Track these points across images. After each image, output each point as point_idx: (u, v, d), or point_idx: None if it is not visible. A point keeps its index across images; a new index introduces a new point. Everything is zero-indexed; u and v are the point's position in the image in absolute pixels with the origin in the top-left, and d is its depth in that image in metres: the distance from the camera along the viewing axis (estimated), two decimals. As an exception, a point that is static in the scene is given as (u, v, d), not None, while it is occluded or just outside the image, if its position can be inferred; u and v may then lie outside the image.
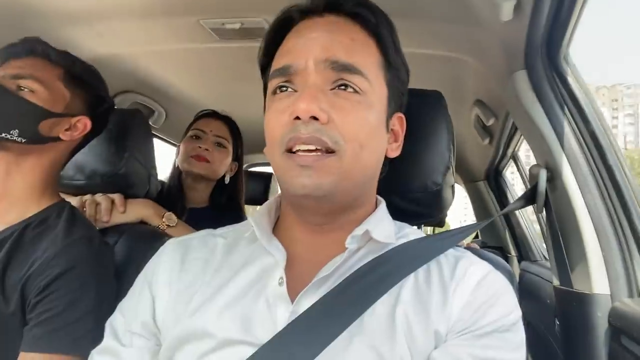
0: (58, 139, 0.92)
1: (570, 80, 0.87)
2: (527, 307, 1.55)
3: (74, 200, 1.11)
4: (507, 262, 1.94)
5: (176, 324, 0.63)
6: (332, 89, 0.60)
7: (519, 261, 1.97)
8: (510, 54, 0.92)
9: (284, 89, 0.62)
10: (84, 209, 1.09)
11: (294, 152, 0.59)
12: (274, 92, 0.63)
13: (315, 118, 0.57)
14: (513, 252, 2.09)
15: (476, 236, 2.61)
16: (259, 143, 0.63)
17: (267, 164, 2.56)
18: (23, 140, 0.86)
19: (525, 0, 0.73)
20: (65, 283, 0.81)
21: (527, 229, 1.98)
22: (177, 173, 1.55)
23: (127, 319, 0.67)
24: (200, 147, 1.47)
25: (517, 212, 2.00)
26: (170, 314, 0.64)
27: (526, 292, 1.68)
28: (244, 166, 2.78)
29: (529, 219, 2.04)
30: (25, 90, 0.87)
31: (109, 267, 0.93)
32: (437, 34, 1.06)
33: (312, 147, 0.58)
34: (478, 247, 1.84)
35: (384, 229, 0.66)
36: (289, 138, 0.58)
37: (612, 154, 0.83)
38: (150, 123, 1.84)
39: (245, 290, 0.62)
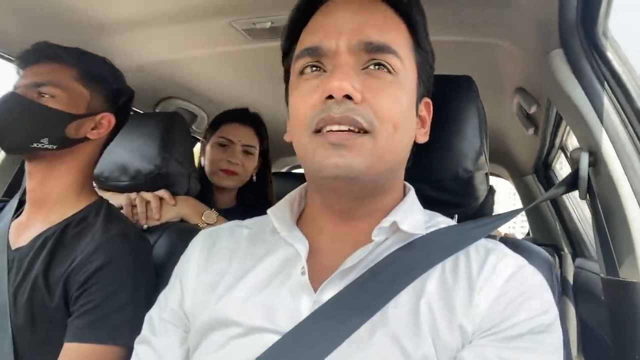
0: (86, 139, 0.95)
1: (611, 56, 0.82)
2: (584, 306, 1.46)
3: (121, 198, 1.17)
4: (561, 260, 1.85)
5: (203, 310, 0.64)
6: (364, 69, 0.59)
7: (574, 259, 1.87)
8: (545, 33, 0.88)
9: (313, 68, 0.60)
10: (134, 206, 1.15)
11: (322, 133, 0.57)
12: (301, 73, 0.61)
13: (349, 97, 0.56)
14: (567, 250, 1.98)
15: (528, 234, 2.50)
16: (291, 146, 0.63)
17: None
18: (54, 147, 0.90)
19: (554, -28, 0.70)
20: (104, 276, 0.85)
21: (580, 224, 1.87)
22: (202, 174, 1.54)
23: (161, 308, 0.70)
24: (229, 161, 1.47)
25: (569, 206, 1.90)
26: (198, 301, 0.66)
27: (583, 290, 1.58)
28: (287, 168, 2.82)
29: (583, 214, 1.93)
30: (46, 96, 0.89)
31: (146, 261, 0.96)
32: (467, 20, 1.03)
33: (345, 128, 0.56)
34: (515, 237, 1.75)
35: (413, 219, 0.64)
36: (320, 119, 0.57)
37: (660, 133, 0.77)
38: (193, 127, 1.91)
39: (269, 279, 0.63)
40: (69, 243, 0.91)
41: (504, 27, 1.01)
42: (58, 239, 0.91)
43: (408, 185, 0.70)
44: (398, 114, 0.58)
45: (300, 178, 2.37)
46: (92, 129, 0.96)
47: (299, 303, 0.59)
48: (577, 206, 1.89)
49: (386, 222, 0.61)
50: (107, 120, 0.98)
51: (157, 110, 1.72)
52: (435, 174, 0.81)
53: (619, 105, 0.81)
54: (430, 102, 0.69)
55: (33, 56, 0.93)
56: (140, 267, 0.92)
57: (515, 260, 0.60)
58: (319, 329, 0.56)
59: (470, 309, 0.55)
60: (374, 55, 0.58)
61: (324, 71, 0.60)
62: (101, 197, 1.03)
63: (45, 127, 0.89)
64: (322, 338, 0.55)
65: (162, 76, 1.54)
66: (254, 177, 1.58)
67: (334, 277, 0.59)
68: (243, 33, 1.22)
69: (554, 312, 0.56)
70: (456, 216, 0.91)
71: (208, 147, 1.53)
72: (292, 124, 0.62)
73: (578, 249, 1.88)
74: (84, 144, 0.96)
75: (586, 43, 0.83)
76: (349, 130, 0.56)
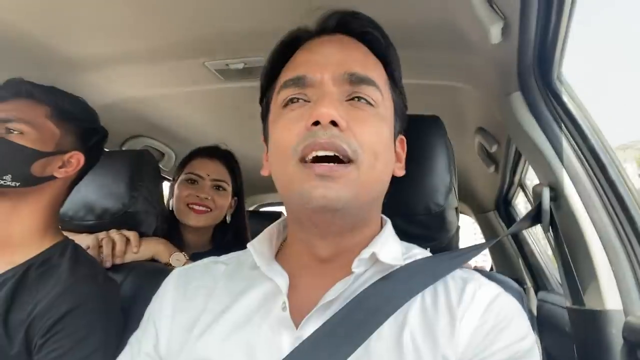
0: (53, 177, 0.92)
1: (565, 98, 0.89)
2: (548, 339, 1.49)
3: (88, 239, 1.13)
4: (524, 293, 1.90)
5: (180, 352, 0.62)
6: (347, 100, 0.61)
7: (536, 292, 1.92)
8: (503, 76, 0.95)
9: (296, 100, 0.62)
10: (101, 247, 1.11)
11: (307, 162, 0.57)
12: (285, 105, 0.62)
13: (334, 124, 0.57)
14: (529, 283, 2.04)
15: (490, 269, 2.56)
16: (269, 182, 0.64)
17: (279, 204, 2.52)
18: (17, 184, 0.86)
19: (513, 22, 0.76)
20: (72, 322, 0.81)
21: (541, 258, 1.94)
22: (172, 217, 1.44)
23: (133, 353, 0.67)
24: (198, 196, 1.38)
25: (530, 240, 1.97)
26: (175, 343, 0.64)
27: (546, 323, 1.62)
28: (255, 206, 2.80)
29: (543, 248, 2.00)
30: (14, 133, 0.86)
31: (115, 303, 0.93)
32: (432, 64, 1.09)
33: (331, 154, 0.57)
34: (486, 269, 1.79)
35: (391, 250, 0.65)
36: (305, 145, 0.57)
37: (613, 168, 0.83)
38: (161, 166, 1.88)
39: (249, 316, 0.62)
40: (31, 286, 0.86)
41: (466, 70, 1.08)
42: (19, 282, 0.86)
43: (385, 217, 0.71)
44: (379, 144, 0.61)
45: (272, 216, 2.34)
46: (60, 167, 0.93)
47: (279, 340, 0.58)
48: (538, 241, 1.96)
49: (365, 254, 0.61)
50: (76, 159, 0.95)
51: (124, 149, 1.69)
52: (408, 208, 0.83)
53: (574, 143, 0.87)
54: (404, 139, 0.72)
55: (5, 93, 0.91)
56: (109, 311, 0.88)
57: (491, 288, 0.62)
58: None
59: (452, 338, 0.56)
60: (356, 88, 0.61)
61: (308, 102, 0.61)
62: (66, 237, 0.98)
63: (10, 163, 0.86)
64: None
65: (131, 114, 1.53)
66: (228, 218, 1.49)
67: (315, 312, 0.59)
68: (216, 73, 1.24)
69: (532, 337, 0.58)
70: (428, 249, 0.93)
71: (176, 186, 1.46)
72: (273, 154, 0.63)
73: (540, 282, 1.94)
74: (51, 182, 0.92)
75: (543, 86, 0.90)
76: (335, 158, 0.57)
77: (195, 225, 1.41)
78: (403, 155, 0.71)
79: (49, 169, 0.91)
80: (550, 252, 1.90)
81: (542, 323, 1.66)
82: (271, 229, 0.71)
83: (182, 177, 1.45)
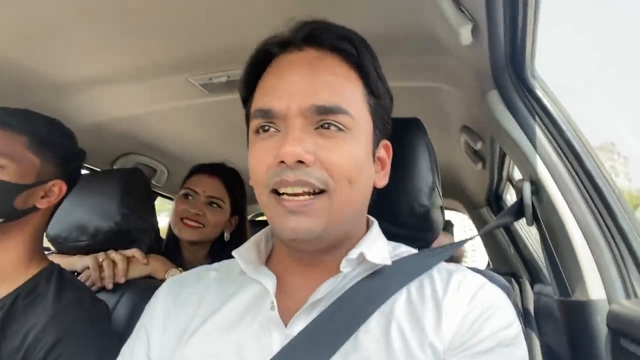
0: (35, 208, 0.90)
1: (539, 93, 0.90)
2: (547, 331, 1.50)
3: (87, 260, 1.13)
4: (520, 287, 1.91)
5: (172, 356, 0.64)
6: (315, 129, 0.60)
7: (532, 285, 1.93)
8: (480, 76, 0.96)
9: (266, 128, 0.61)
10: (101, 267, 1.12)
11: (280, 194, 0.59)
12: (257, 132, 0.62)
13: (301, 162, 0.57)
14: (524, 277, 2.05)
15: (488, 265, 2.57)
16: None
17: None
18: (1, 220, 0.85)
19: (481, 22, 0.78)
20: (62, 351, 0.81)
21: (534, 251, 1.96)
22: (172, 232, 1.48)
23: None
24: (190, 211, 1.39)
25: (522, 234, 1.98)
26: (166, 348, 0.65)
27: (544, 315, 1.64)
28: (251, 215, 2.80)
29: (536, 241, 2.01)
30: None
31: (104, 325, 0.92)
32: (411, 67, 1.11)
33: (300, 190, 0.58)
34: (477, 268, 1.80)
35: (378, 250, 0.66)
36: (274, 182, 0.58)
37: (589, 159, 0.84)
38: (153, 182, 1.90)
39: (238, 317, 0.64)
40: (20, 316, 0.86)
41: (444, 72, 1.10)
42: (8, 312, 0.85)
43: (371, 218, 0.72)
44: (352, 169, 0.60)
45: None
46: (42, 197, 0.91)
47: (269, 339, 0.60)
48: (529, 234, 1.98)
49: (353, 254, 0.63)
50: (58, 187, 0.94)
51: (115, 167, 1.71)
52: (393, 210, 0.85)
53: (551, 137, 0.89)
54: (389, 144, 0.70)
55: None
56: (100, 334, 0.88)
57: (476, 278, 0.64)
58: None
59: (439, 328, 0.58)
60: (324, 117, 0.59)
61: (278, 130, 0.61)
62: (52, 263, 0.97)
63: None
64: None
65: (120, 133, 1.54)
66: (227, 236, 1.49)
67: (304, 310, 0.60)
68: (200, 88, 1.26)
69: (517, 325, 0.60)
70: (417, 250, 0.95)
71: (174, 203, 1.48)
72: (251, 179, 0.64)
73: (535, 275, 1.95)
74: (34, 213, 0.91)
75: (517, 83, 0.91)
76: (304, 193, 0.58)
77: (188, 239, 1.42)
78: (388, 162, 0.70)
79: (31, 200, 0.89)
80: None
81: (539, 316, 1.68)
82: (258, 236, 0.73)
83: (180, 192, 1.47)
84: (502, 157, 1.50)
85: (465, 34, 0.79)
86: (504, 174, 1.70)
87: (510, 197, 2.00)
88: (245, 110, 0.70)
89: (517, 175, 1.77)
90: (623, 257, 0.78)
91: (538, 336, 1.45)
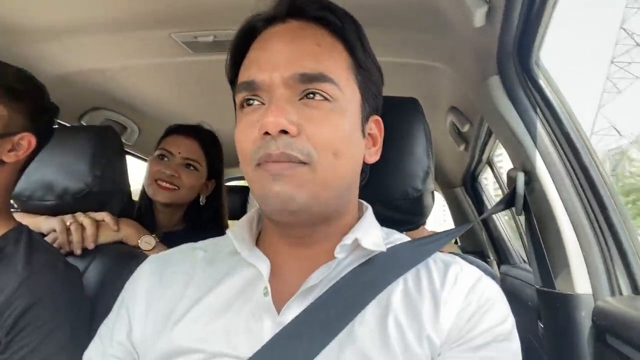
0: (1, 162, 0.85)
1: (542, 83, 0.89)
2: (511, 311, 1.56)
3: (53, 222, 1.07)
4: (498, 276, 1.97)
5: (157, 340, 0.61)
6: (300, 99, 0.58)
7: (499, 265, 2.00)
8: (483, 60, 0.94)
9: (251, 102, 0.59)
10: (69, 231, 1.05)
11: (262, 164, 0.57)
12: (242, 106, 0.61)
13: (285, 132, 0.55)
14: (492, 257, 2.11)
15: (455, 242, 2.64)
16: (236, 157, 0.62)
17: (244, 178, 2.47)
18: None
19: (497, 6, 0.75)
20: (34, 317, 0.77)
21: (504, 233, 2.01)
22: (146, 194, 1.42)
23: (103, 343, 0.65)
24: (165, 172, 1.34)
25: (494, 216, 2.03)
26: (150, 331, 0.62)
27: (508, 296, 1.69)
28: (226, 179, 2.73)
29: (506, 222, 2.07)
30: None
31: (78, 292, 0.88)
32: (409, 43, 1.08)
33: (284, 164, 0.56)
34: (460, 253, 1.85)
35: (373, 236, 0.64)
36: (259, 157, 0.56)
37: (587, 154, 0.84)
38: (123, 140, 1.80)
39: (229, 301, 0.61)
40: None
41: (445, 52, 1.07)
42: None
43: (365, 203, 0.70)
44: (337, 141, 0.58)
45: (243, 192, 2.27)
46: (9, 150, 0.85)
47: (261, 326, 0.58)
48: (501, 216, 2.03)
49: (348, 240, 0.61)
50: (27, 140, 0.87)
51: (83, 122, 1.61)
52: (386, 193, 0.83)
53: (549, 129, 0.88)
54: (381, 120, 0.68)
55: None
56: (74, 301, 0.84)
57: (473, 272, 0.63)
58: (283, 351, 0.55)
59: (437, 321, 0.57)
60: (308, 86, 0.58)
61: (263, 104, 0.59)
62: (20, 224, 0.92)
63: None
64: None
65: (90, 86, 1.44)
66: (202, 200, 1.44)
67: (297, 297, 0.58)
68: (183, 46, 1.18)
69: (512, 320, 0.60)
70: (404, 233, 0.94)
71: (149, 161, 1.41)
72: (239, 155, 0.62)
73: (502, 256, 2.01)
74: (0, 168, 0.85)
75: (521, 71, 0.89)
76: (288, 161, 0.56)
77: (162, 201, 1.37)
78: (380, 138, 0.68)
79: None
80: (514, 229, 1.97)
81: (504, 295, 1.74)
82: (250, 215, 0.70)
83: (155, 153, 1.40)
84: (487, 140, 1.50)
85: (479, 16, 0.76)
86: (484, 156, 1.71)
87: (485, 179, 2.03)
88: (232, 92, 0.67)
89: (497, 159, 1.79)
90: (611, 254, 0.80)
91: None
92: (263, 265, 0.61)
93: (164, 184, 1.35)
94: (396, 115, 0.83)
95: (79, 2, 0.99)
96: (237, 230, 0.66)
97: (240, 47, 0.64)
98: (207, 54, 1.22)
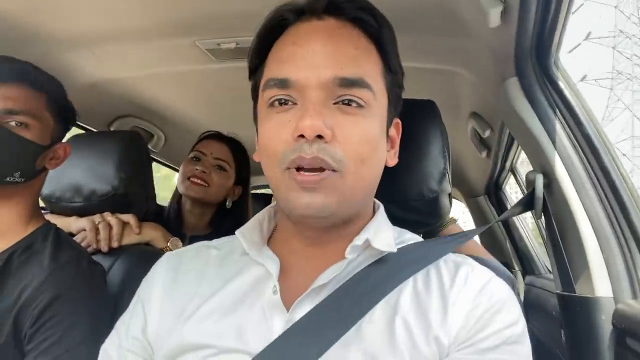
0: (44, 169, 0.91)
1: (562, 84, 0.88)
2: (535, 323, 1.52)
3: (83, 222, 1.11)
4: (515, 279, 1.93)
5: (170, 335, 0.62)
6: (335, 103, 0.57)
7: (524, 276, 1.95)
8: (500, 61, 0.93)
9: (283, 101, 0.58)
10: (97, 230, 1.10)
11: (292, 170, 0.56)
12: (271, 105, 0.59)
13: (319, 136, 0.55)
14: (517, 267, 2.06)
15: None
16: (258, 165, 0.63)
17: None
18: (23, 180, 0.85)
19: (513, 5, 0.75)
20: (58, 309, 0.80)
21: (529, 242, 1.96)
22: (177, 196, 1.52)
23: (120, 338, 0.67)
24: (197, 169, 1.43)
25: (519, 225, 1.99)
26: (164, 327, 0.63)
27: (534, 307, 1.65)
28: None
29: (532, 233, 2.02)
30: (21, 126, 0.83)
31: (101, 288, 0.91)
32: (427, 47, 1.08)
33: (316, 167, 0.55)
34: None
35: (384, 237, 0.64)
36: (291, 160, 0.56)
37: (607, 155, 0.82)
38: (150, 147, 1.86)
39: (239, 299, 0.62)
40: (15, 273, 0.84)
41: (462, 55, 1.07)
42: (3, 269, 0.84)
43: (377, 202, 0.70)
44: (366, 148, 0.58)
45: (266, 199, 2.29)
46: (51, 159, 0.91)
47: (271, 323, 0.58)
48: (526, 226, 1.98)
49: (359, 240, 0.61)
50: (64, 149, 0.94)
51: (112, 129, 1.66)
52: (401, 193, 0.83)
53: (569, 130, 0.87)
54: (400, 122, 0.69)
55: (7, 72, 0.84)
56: (96, 296, 0.87)
57: (484, 272, 0.62)
58: (292, 347, 0.55)
59: (445, 321, 0.56)
60: (346, 91, 0.57)
61: (294, 104, 0.58)
62: (48, 222, 0.96)
63: (20, 160, 0.84)
64: (295, 357, 0.54)
65: (119, 94, 1.50)
66: (229, 203, 1.52)
67: (307, 295, 0.59)
68: (207, 53, 1.22)
69: (523, 322, 0.58)
70: (421, 235, 0.93)
71: (181, 166, 1.50)
72: (262, 155, 0.61)
73: (528, 266, 1.96)
74: (41, 174, 0.92)
75: (539, 72, 0.89)
76: (320, 169, 0.56)
77: (193, 196, 1.45)
78: (398, 140, 0.69)
79: (44, 161, 0.90)
80: (539, 237, 1.92)
81: (529, 307, 1.69)
82: (261, 215, 0.70)
83: (189, 155, 1.50)
84: (509, 146, 1.48)
85: (494, 16, 0.76)
86: (507, 164, 1.69)
87: (509, 188, 1.99)
88: (252, 81, 0.67)
89: (521, 166, 1.76)
90: (632, 256, 0.77)
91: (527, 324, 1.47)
92: (272, 265, 0.62)
93: (196, 179, 1.44)
94: (413, 118, 0.83)
95: (107, 12, 1.04)
96: (247, 231, 0.66)
97: (267, 36, 0.63)
98: (229, 61, 1.25)
